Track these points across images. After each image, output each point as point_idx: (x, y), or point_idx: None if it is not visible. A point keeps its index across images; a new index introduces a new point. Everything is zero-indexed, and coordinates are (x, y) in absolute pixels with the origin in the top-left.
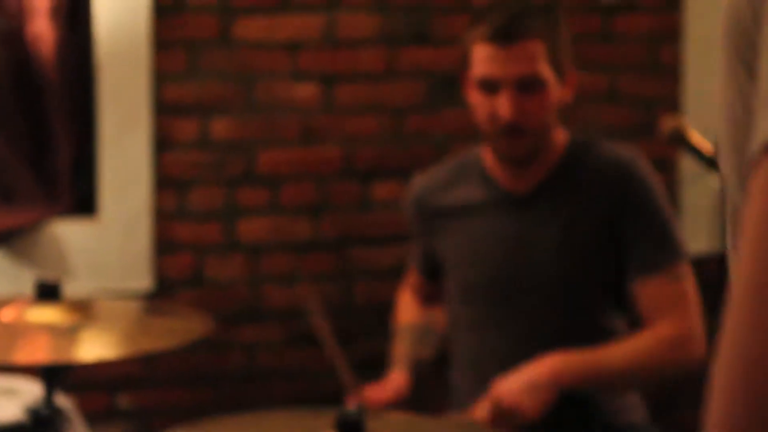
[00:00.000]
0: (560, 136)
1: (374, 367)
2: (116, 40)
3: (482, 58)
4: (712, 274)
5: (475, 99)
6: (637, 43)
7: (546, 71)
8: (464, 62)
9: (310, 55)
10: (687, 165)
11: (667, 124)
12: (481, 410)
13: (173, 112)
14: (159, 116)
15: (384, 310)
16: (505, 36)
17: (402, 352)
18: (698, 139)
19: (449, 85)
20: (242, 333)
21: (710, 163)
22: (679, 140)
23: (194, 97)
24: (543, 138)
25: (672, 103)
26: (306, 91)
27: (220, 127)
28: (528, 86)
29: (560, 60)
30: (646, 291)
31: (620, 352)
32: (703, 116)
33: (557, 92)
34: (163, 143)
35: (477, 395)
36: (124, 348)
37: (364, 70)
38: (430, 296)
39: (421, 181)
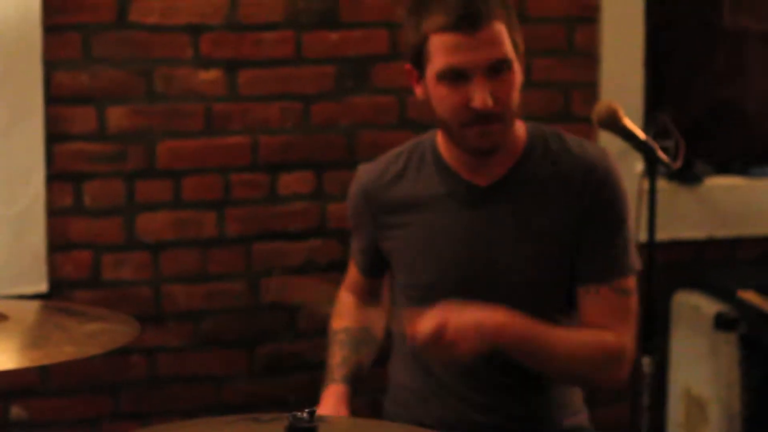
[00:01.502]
0: (519, 125)
1: (281, 367)
2: (4, 25)
3: (446, 49)
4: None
5: (438, 91)
6: (552, 26)
7: (511, 52)
8: (417, 56)
9: (212, 39)
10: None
11: (600, 108)
12: (422, 327)
13: (67, 101)
14: (52, 106)
15: (293, 308)
16: (469, 23)
17: (339, 361)
18: (630, 123)
19: (358, 70)
20: (143, 337)
21: (643, 148)
22: (613, 125)
23: (90, 86)
24: (513, 123)
25: (588, 87)
26: (209, 78)
27: (118, 117)
28: (498, 70)
29: (517, 40)
30: (591, 300)
31: (566, 338)
32: (619, 100)
33: (520, 74)
34: (56, 135)
35: (428, 396)
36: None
37: (269, 55)
38: (370, 295)
39: (368, 172)
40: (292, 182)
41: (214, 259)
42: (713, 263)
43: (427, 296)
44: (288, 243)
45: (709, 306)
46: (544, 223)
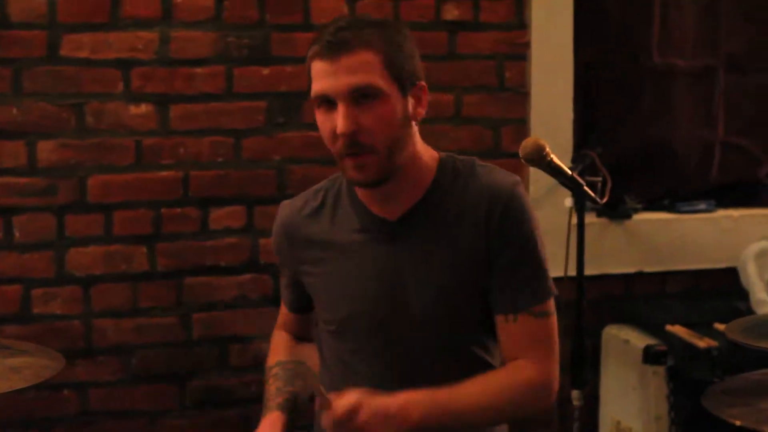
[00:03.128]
0: (429, 157)
1: (213, 402)
2: None
3: (316, 75)
4: (562, 296)
5: (318, 118)
6: (483, 62)
7: (382, 83)
8: (308, 82)
9: (143, 74)
10: (535, 187)
11: (527, 144)
12: (335, 409)
13: None
14: None
15: (223, 342)
16: (332, 50)
17: (273, 392)
18: (557, 159)
19: (289, 105)
20: (74, 371)
21: (570, 183)
22: (540, 161)
23: (20, 120)
24: (392, 156)
25: (518, 122)
26: (139, 112)
27: (48, 151)
28: (363, 99)
29: (402, 72)
30: (509, 329)
31: (475, 392)
32: (548, 136)
33: (400, 106)
34: None
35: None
36: None
37: (200, 89)
38: (302, 331)
39: (288, 208)
40: (223, 216)
41: (144, 294)
42: (642, 297)
43: (343, 331)
44: (219, 277)
45: (638, 339)
46: (453, 255)
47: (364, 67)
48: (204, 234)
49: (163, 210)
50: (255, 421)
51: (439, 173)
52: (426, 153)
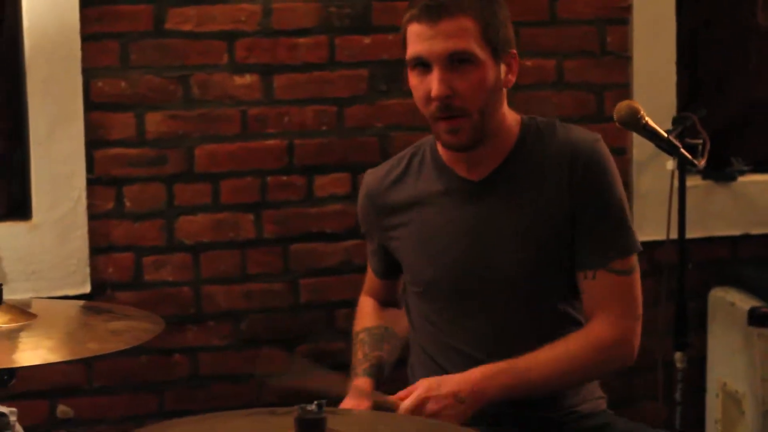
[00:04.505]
0: (513, 120)
1: (320, 365)
2: (45, 34)
3: (413, 38)
4: (665, 260)
5: (411, 81)
6: (584, 27)
7: (478, 49)
8: (403, 47)
9: (247, 45)
10: (639, 150)
11: (621, 107)
12: (404, 403)
13: (106, 108)
14: (92, 113)
15: (330, 307)
16: (431, 13)
17: (360, 358)
18: (652, 122)
19: (391, 73)
20: (185, 337)
21: (666, 146)
22: (634, 124)
23: (128, 92)
24: (484, 121)
25: (620, 87)
26: (244, 83)
27: (156, 123)
28: (458, 64)
29: (497, 40)
30: (591, 284)
31: (551, 359)
32: (651, 100)
33: (494, 72)
34: (97, 140)
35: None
36: (76, 352)
37: (303, 59)
38: (389, 297)
39: (372, 176)
40: (327, 184)
41: (252, 260)
42: (748, 260)
43: (429, 293)
44: (325, 244)
45: (743, 302)
46: (536, 214)
47: (461, 33)
48: (309, 201)
49: (268, 178)
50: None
51: (522, 135)
52: (510, 116)
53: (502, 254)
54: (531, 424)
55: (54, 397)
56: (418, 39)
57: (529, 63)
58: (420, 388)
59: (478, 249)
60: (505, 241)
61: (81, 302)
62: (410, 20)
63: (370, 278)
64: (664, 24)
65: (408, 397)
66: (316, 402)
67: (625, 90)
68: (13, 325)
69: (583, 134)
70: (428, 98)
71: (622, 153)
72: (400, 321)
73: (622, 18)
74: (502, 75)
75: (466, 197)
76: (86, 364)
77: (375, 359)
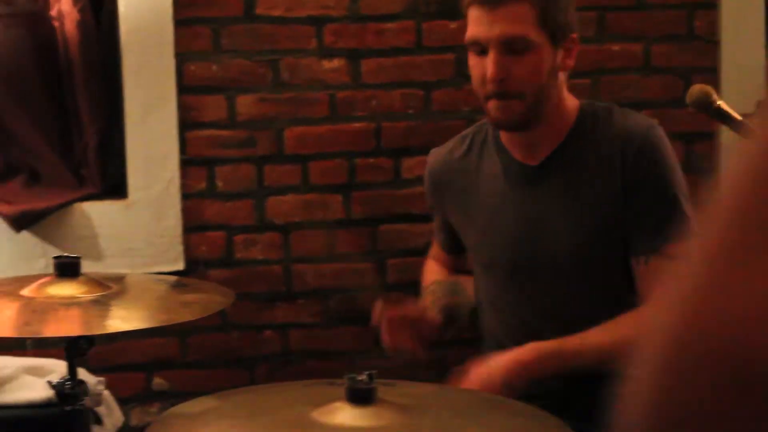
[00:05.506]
0: (571, 105)
1: None
2: (140, 19)
3: (472, 21)
4: None
5: (469, 61)
6: (672, 12)
7: (534, 34)
8: (465, 27)
9: (335, 30)
10: (729, 135)
11: (693, 90)
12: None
13: (198, 91)
14: (184, 95)
15: (417, 287)
16: None
17: (429, 304)
18: (726, 105)
19: None
20: (275, 313)
21: (740, 130)
22: (706, 107)
23: (219, 76)
24: (538, 104)
25: (708, 72)
26: (332, 67)
27: (247, 105)
28: (514, 48)
29: (556, 25)
30: (644, 270)
31: (603, 339)
32: (739, 84)
33: (550, 57)
34: (189, 122)
35: (501, 335)
36: (147, 321)
37: (390, 44)
38: (454, 271)
39: (436, 155)
40: (414, 166)
41: (340, 240)
42: None
43: (488, 273)
44: (412, 225)
45: None
46: (592, 198)
47: (519, 19)
48: (396, 183)
49: (356, 160)
50: (452, 363)
51: (579, 120)
52: (568, 100)
53: (556, 238)
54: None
55: (150, 370)
56: (476, 22)
57: (615, 47)
58: (472, 373)
59: (534, 231)
60: (560, 225)
61: (160, 276)
62: (470, 3)
63: (437, 250)
64: (754, 8)
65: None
66: (367, 372)
67: (712, 75)
68: (90, 296)
69: (638, 120)
70: (483, 80)
71: (710, 138)
72: (468, 286)
73: (710, 2)
74: (560, 59)
75: (523, 180)
76: (180, 339)
77: (445, 302)
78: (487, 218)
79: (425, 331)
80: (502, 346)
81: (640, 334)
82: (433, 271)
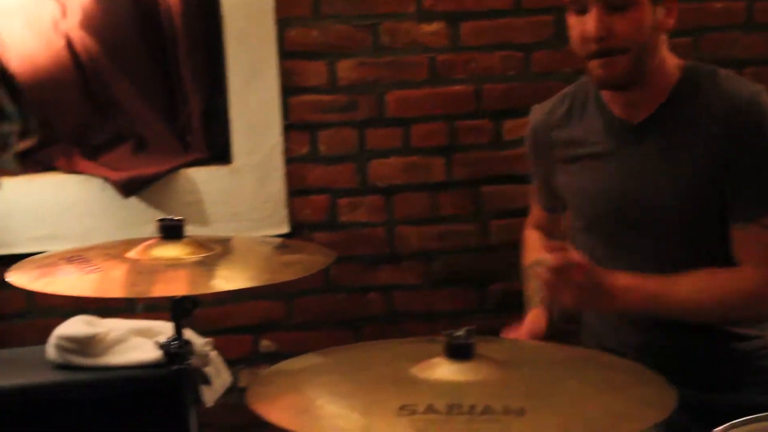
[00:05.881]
0: (672, 64)
1: (512, 305)
2: None
3: None
4: None
5: (569, 21)
6: None
7: None
8: None
9: None
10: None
11: None
12: (560, 256)
13: (300, 56)
14: (286, 61)
15: (518, 249)
16: None
17: (535, 289)
18: None
19: None
20: (379, 275)
21: None
22: None
23: (320, 41)
24: (640, 61)
25: None
26: (431, 30)
27: (347, 70)
28: (615, 5)
29: None
30: (741, 236)
31: (688, 288)
32: None
33: (651, 14)
34: (291, 88)
35: (601, 325)
36: (250, 281)
37: (489, 6)
38: (553, 231)
39: (538, 113)
40: (514, 128)
41: (443, 202)
42: None
43: (591, 229)
44: (514, 186)
45: None
46: (693, 159)
47: None
48: (497, 144)
49: (457, 122)
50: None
51: (682, 80)
52: (670, 60)
53: (658, 195)
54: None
55: (257, 332)
56: None
57: (718, 5)
58: (580, 256)
59: (636, 188)
60: (661, 183)
61: (262, 237)
62: None
63: (536, 213)
64: None
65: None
66: (465, 328)
67: None
68: (194, 257)
69: (744, 85)
70: (585, 39)
71: None
72: None
73: None
74: (660, 17)
75: (625, 138)
76: (287, 301)
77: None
78: (589, 176)
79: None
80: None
81: (725, 293)
82: (534, 245)
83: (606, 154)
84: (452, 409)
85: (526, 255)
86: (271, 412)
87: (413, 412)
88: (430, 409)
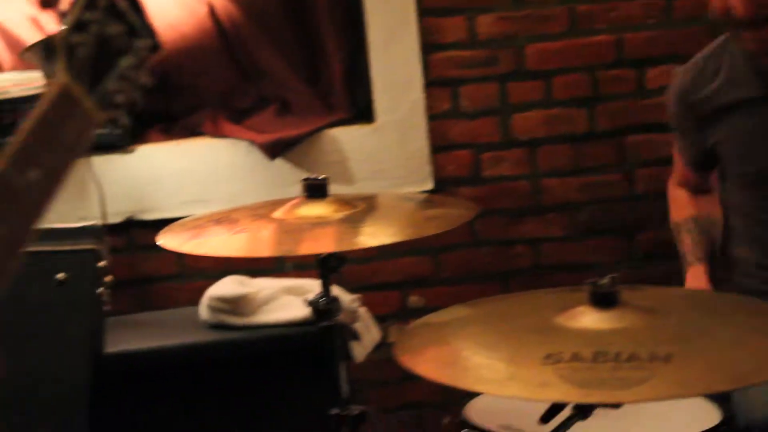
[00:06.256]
0: None
1: (660, 254)
2: None
3: None
4: None
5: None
6: None
7: None
8: None
9: None
10: None
11: None
12: None
13: (439, 12)
14: (425, 18)
15: (665, 197)
16: None
17: (691, 246)
18: None
19: None
20: (525, 228)
21: None
22: None
23: None
24: None
25: None
26: None
27: (487, 25)
28: None
29: None
30: None
31: None
32: None
33: None
34: (431, 45)
35: (760, 271)
36: (395, 236)
37: None
38: (702, 187)
39: (683, 74)
40: (658, 76)
41: (587, 153)
42: None
43: (751, 185)
44: (658, 135)
45: None
46: None
47: None
48: (641, 93)
49: (598, 73)
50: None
51: None
52: None
53: None
54: None
55: (405, 288)
56: None
57: None
58: None
59: None
60: None
61: (406, 193)
62: None
63: (681, 170)
64: None
65: None
66: (609, 275)
67: None
68: (339, 215)
69: None
70: (727, 11)
71: None
72: (715, 208)
73: None
74: None
75: None
76: (433, 257)
77: (706, 245)
78: (749, 131)
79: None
80: (761, 264)
81: None
82: (681, 203)
83: (760, 110)
84: (597, 357)
85: (675, 212)
86: (419, 364)
87: (558, 361)
88: (575, 358)
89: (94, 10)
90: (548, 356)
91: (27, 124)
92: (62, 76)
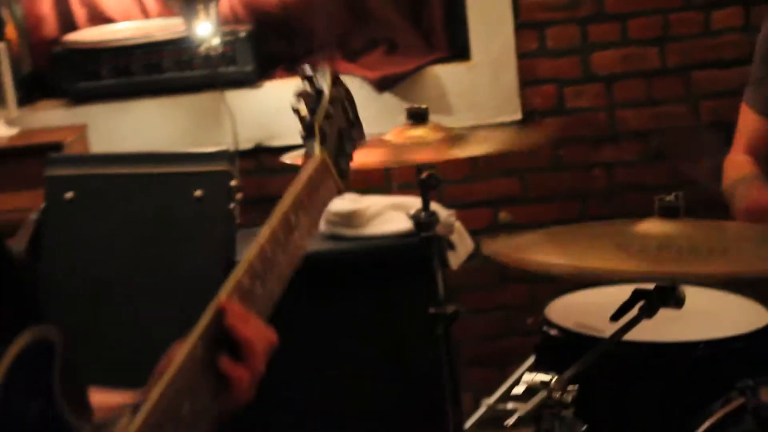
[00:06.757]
0: None
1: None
2: None
3: None
4: None
5: None
6: None
7: None
8: None
9: None
10: None
11: None
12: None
13: None
14: None
15: (728, 128)
16: None
17: (741, 174)
18: None
19: None
20: (602, 154)
21: None
22: None
23: None
24: None
25: None
26: None
27: None
28: None
29: None
30: None
31: None
32: None
33: None
34: None
35: None
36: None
37: None
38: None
39: None
40: (723, 18)
41: (658, 87)
42: None
43: None
44: (722, 71)
45: None
46: None
47: None
48: (707, 34)
49: (669, 16)
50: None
51: None
52: None
53: None
54: None
55: (496, 205)
56: None
57: None
58: None
59: None
60: None
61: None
62: None
63: (748, 132)
64: None
65: None
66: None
67: None
68: (437, 136)
69: None
70: None
71: None
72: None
73: None
74: None
75: None
76: (521, 178)
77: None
78: None
79: None
80: None
81: None
82: (739, 164)
83: None
84: (661, 248)
85: (729, 172)
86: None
87: (626, 249)
88: (641, 249)
89: (337, 105)
90: (618, 245)
91: (294, 187)
92: (318, 151)
